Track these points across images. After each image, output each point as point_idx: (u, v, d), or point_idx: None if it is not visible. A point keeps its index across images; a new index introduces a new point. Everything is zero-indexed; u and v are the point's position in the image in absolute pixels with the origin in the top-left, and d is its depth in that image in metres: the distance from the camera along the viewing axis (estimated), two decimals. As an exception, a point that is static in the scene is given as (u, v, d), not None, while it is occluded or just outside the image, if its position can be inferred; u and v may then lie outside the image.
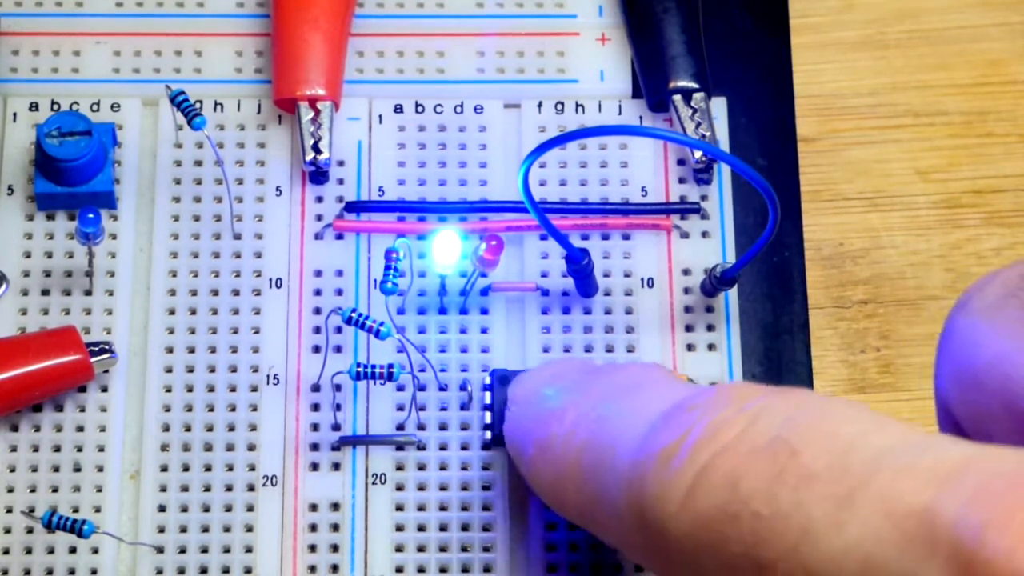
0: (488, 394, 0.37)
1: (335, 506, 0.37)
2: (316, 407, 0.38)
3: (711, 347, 0.39)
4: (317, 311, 0.39)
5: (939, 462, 0.25)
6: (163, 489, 0.37)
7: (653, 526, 0.28)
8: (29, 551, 0.36)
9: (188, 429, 0.37)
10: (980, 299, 0.30)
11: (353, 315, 0.36)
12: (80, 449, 0.37)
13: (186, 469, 0.37)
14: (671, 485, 0.28)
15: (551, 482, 0.33)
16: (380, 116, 0.40)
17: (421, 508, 0.37)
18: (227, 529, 0.37)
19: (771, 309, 0.39)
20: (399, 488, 0.37)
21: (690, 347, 0.39)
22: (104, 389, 0.38)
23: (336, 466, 0.37)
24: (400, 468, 0.37)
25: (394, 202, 0.39)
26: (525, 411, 0.34)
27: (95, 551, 0.36)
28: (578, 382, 0.33)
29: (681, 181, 0.40)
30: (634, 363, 0.37)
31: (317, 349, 0.38)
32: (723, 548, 0.27)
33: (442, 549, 0.37)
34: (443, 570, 0.37)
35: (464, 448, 0.37)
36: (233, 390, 0.38)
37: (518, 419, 0.34)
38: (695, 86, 0.40)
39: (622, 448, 0.30)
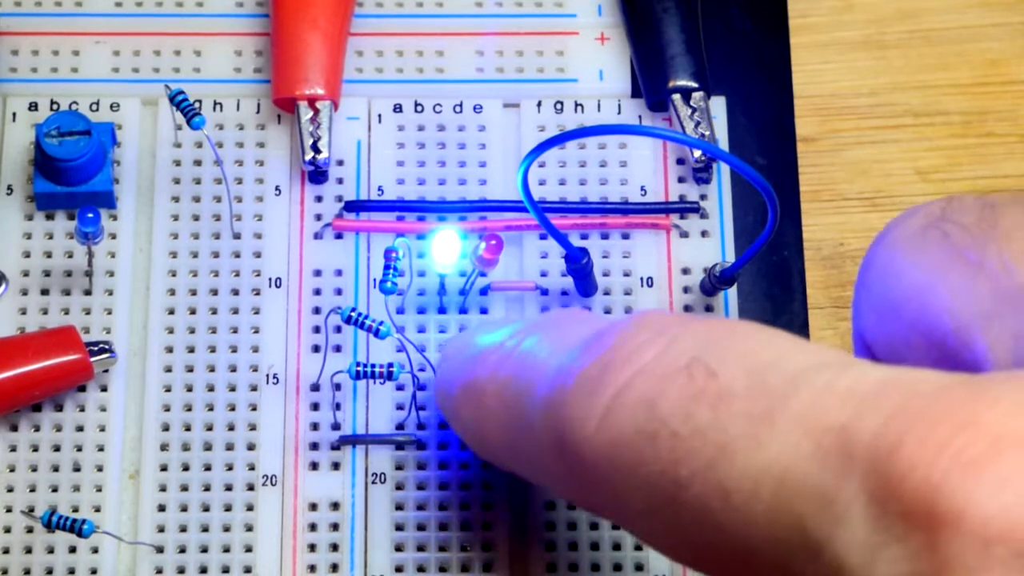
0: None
1: (335, 505, 0.37)
2: (316, 406, 0.38)
3: (711, 346, 0.39)
4: (316, 311, 0.39)
5: (858, 382, 0.25)
6: (163, 489, 0.37)
7: (571, 449, 0.28)
8: (29, 551, 0.36)
9: (188, 429, 0.37)
10: (901, 230, 0.29)
11: (352, 314, 0.36)
12: (80, 449, 0.37)
13: (186, 469, 0.37)
14: (588, 407, 0.27)
15: (475, 423, 0.32)
16: (379, 116, 0.40)
17: (421, 508, 0.37)
18: (227, 529, 0.37)
19: (771, 309, 0.39)
20: (399, 488, 0.37)
21: (690, 346, 0.39)
22: (104, 389, 0.38)
23: (336, 465, 0.37)
24: (400, 468, 0.37)
25: (393, 202, 0.39)
26: (453, 362, 0.34)
27: (95, 551, 0.36)
28: (505, 329, 0.33)
29: (680, 180, 0.40)
30: (559, 309, 0.37)
31: (317, 348, 0.38)
32: (640, 468, 0.26)
33: (442, 549, 0.37)
34: (443, 570, 0.37)
35: (464, 447, 0.37)
36: (233, 390, 0.38)
37: (446, 370, 0.34)
38: (694, 85, 0.40)
39: (541, 378, 0.29)
